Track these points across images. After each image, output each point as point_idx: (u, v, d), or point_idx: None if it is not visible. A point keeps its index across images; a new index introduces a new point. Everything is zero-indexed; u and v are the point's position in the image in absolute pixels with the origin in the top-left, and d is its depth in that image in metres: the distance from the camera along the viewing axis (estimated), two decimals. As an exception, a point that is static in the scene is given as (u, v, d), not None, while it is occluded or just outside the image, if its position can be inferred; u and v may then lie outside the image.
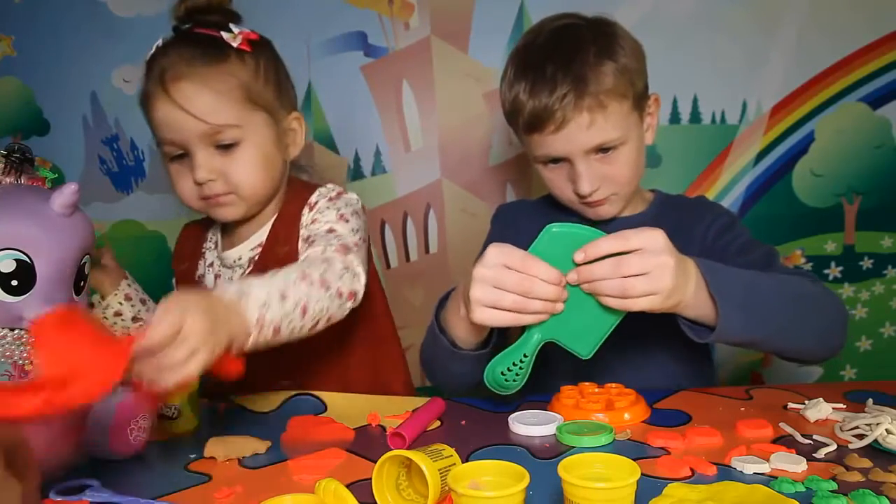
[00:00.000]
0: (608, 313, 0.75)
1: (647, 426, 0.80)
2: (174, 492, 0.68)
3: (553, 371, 1.01)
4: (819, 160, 1.47)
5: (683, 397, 0.90)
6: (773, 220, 1.48)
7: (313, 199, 0.96)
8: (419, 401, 0.91)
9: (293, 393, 0.94)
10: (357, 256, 0.87)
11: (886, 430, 0.70)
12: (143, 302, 1.06)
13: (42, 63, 1.50)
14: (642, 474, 0.53)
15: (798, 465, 0.66)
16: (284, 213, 0.98)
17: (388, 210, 1.51)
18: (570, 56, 0.92)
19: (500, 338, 0.87)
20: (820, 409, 0.80)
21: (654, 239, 0.72)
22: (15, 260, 0.68)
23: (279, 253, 0.95)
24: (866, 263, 1.49)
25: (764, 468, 0.66)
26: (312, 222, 0.94)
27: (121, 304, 1.02)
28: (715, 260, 0.81)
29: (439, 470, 0.59)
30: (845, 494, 0.59)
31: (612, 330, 0.77)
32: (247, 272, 0.99)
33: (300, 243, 0.94)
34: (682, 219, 1.01)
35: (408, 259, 1.53)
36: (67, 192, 0.70)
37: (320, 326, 0.82)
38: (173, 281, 1.14)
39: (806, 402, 0.83)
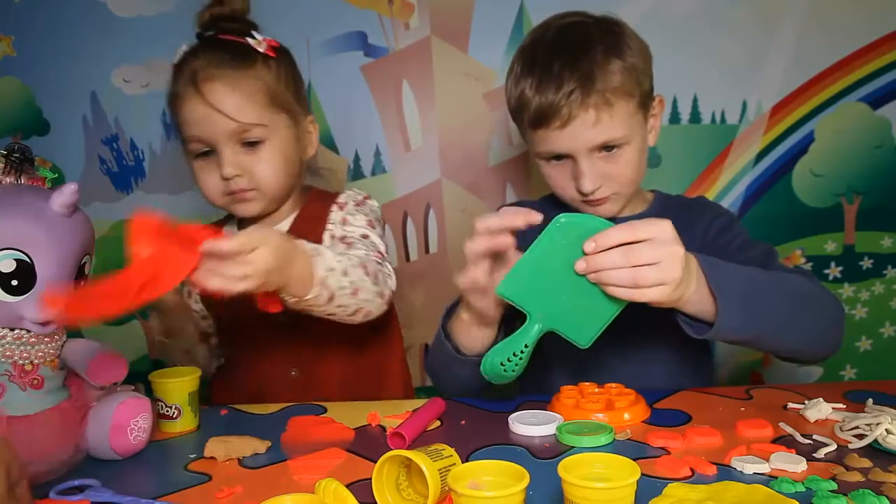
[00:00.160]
0: (609, 303, 0.75)
1: (647, 426, 0.80)
2: (174, 492, 0.68)
3: (552, 367, 1.01)
4: (819, 160, 1.47)
5: (683, 397, 0.90)
6: (773, 220, 1.48)
7: (342, 199, 1.03)
8: (419, 401, 0.91)
9: (292, 405, 0.95)
10: (389, 264, 0.95)
11: (886, 430, 0.70)
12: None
13: (42, 63, 1.50)
14: (642, 474, 0.53)
15: (798, 465, 0.66)
16: (306, 211, 1.03)
17: (388, 210, 1.51)
18: (578, 53, 0.92)
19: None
20: (820, 409, 0.80)
21: (663, 229, 0.73)
22: (15, 260, 0.68)
23: None
24: (866, 263, 1.49)
25: (764, 468, 0.66)
26: (343, 222, 1.00)
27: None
28: (715, 258, 0.81)
29: (439, 470, 0.59)
30: (845, 494, 0.59)
31: (611, 320, 0.77)
32: None
33: (329, 240, 0.98)
34: (682, 218, 1.01)
35: (408, 259, 1.53)
36: (67, 192, 0.70)
37: (359, 317, 0.89)
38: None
39: (806, 402, 0.83)
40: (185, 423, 0.86)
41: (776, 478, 0.64)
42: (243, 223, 1.04)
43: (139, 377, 0.91)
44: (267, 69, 0.96)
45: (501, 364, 0.79)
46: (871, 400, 0.83)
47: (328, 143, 1.49)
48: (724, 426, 0.76)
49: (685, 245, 0.74)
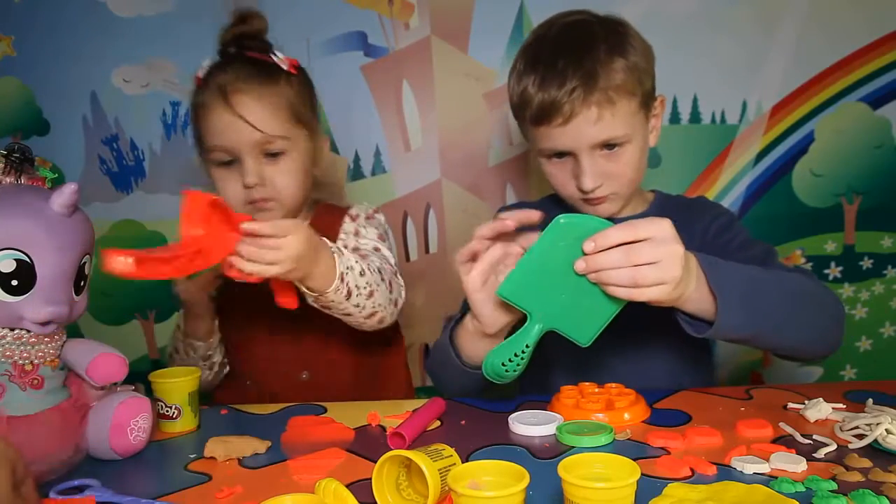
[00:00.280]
0: (609, 302, 0.75)
1: (647, 426, 0.80)
2: (174, 492, 0.68)
3: (552, 366, 1.01)
4: (819, 160, 1.47)
5: (683, 397, 0.90)
6: (773, 219, 1.48)
7: (354, 211, 1.09)
8: (419, 401, 0.91)
9: (292, 405, 0.95)
10: (400, 276, 1.01)
11: (886, 430, 0.70)
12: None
13: (42, 63, 1.50)
14: (642, 474, 0.53)
15: (798, 465, 0.66)
16: (318, 222, 1.07)
17: (388, 210, 1.51)
18: (581, 51, 0.92)
19: None
20: (820, 409, 0.80)
21: (662, 228, 0.73)
22: (15, 260, 0.68)
23: None
24: (866, 263, 1.49)
25: (764, 468, 0.66)
26: (356, 233, 1.05)
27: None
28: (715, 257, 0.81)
29: (439, 470, 0.59)
30: (845, 494, 0.59)
31: (611, 319, 0.77)
32: None
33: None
34: (682, 218, 1.01)
35: (408, 259, 1.53)
36: (67, 192, 0.70)
37: (373, 322, 0.94)
38: None
39: (806, 402, 0.83)
40: (185, 423, 0.86)
41: (776, 478, 0.64)
42: None
43: (139, 377, 0.91)
44: (289, 86, 1.01)
45: (503, 364, 0.79)
46: (871, 400, 0.83)
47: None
48: (724, 426, 0.77)
49: (685, 244, 0.75)
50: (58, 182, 0.75)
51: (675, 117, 1.45)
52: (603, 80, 0.90)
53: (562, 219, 0.74)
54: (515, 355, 0.78)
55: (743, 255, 0.94)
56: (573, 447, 0.74)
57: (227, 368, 1.13)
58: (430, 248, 1.53)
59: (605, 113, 0.91)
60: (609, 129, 0.92)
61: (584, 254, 0.73)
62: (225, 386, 1.13)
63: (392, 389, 1.14)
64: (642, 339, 0.99)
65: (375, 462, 0.61)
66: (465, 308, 0.90)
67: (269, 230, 0.75)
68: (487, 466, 0.56)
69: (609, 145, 0.94)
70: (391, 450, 0.62)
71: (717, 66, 1.44)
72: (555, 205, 1.09)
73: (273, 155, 0.99)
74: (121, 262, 0.72)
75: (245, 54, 1.01)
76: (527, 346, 0.78)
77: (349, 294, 0.88)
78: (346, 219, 1.08)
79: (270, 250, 0.76)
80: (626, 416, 0.81)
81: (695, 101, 1.45)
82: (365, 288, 0.90)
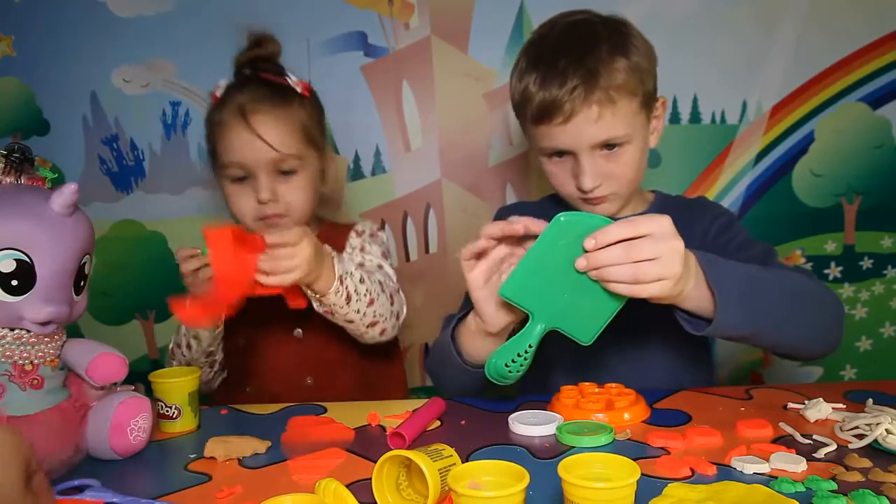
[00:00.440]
0: (610, 300, 0.75)
1: (647, 426, 0.80)
2: (174, 492, 0.68)
3: (552, 366, 1.01)
4: (819, 160, 1.47)
5: (683, 397, 0.90)
6: (773, 219, 1.48)
7: (359, 227, 1.14)
8: (419, 401, 0.91)
9: (292, 405, 0.95)
10: (402, 293, 1.06)
11: (886, 430, 0.70)
12: None
13: (42, 63, 1.50)
14: (642, 474, 0.53)
15: (798, 465, 0.66)
16: (325, 236, 1.10)
17: (388, 210, 1.51)
18: (583, 50, 0.92)
19: None
20: (820, 409, 0.80)
21: (662, 224, 0.73)
22: (15, 260, 0.68)
23: None
24: (866, 263, 1.49)
25: (764, 468, 0.66)
26: (361, 249, 1.10)
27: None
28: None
29: (439, 470, 0.59)
30: (845, 494, 0.59)
31: (612, 316, 0.77)
32: None
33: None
34: (682, 218, 1.01)
35: (408, 259, 1.53)
36: (67, 192, 0.70)
37: (375, 332, 0.99)
38: None
39: (806, 402, 0.83)
40: (185, 423, 0.86)
41: (776, 478, 0.64)
42: None
43: (139, 377, 0.91)
44: (302, 107, 1.06)
45: (506, 365, 0.79)
46: (871, 400, 0.83)
47: (328, 143, 1.49)
48: (724, 426, 0.77)
49: (685, 244, 0.75)
50: (58, 182, 0.75)
51: (675, 117, 1.45)
52: (604, 80, 0.90)
53: (562, 216, 0.74)
54: (518, 356, 0.78)
55: (742, 255, 0.94)
56: (573, 447, 0.74)
57: (225, 373, 1.13)
58: (430, 248, 1.53)
59: (606, 112, 0.91)
60: (609, 129, 0.92)
61: (585, 251, 0.73)
62: (223, 393, 1.13)
63: (392, 392, 1.17)
64: (642, 339, 0.99)
65: (375, 462, 0.61)
66: (466, 306, 0.90)
67: (287, 238, 0.83)
68: (487, 466, 0.56)
69: (609, 145, 0.94)
70: (391, 450, 0.62)
71: (717, 66, 1.44)
72: (555, 205, 1.09)
73: (286, 173, 1.03)
74: (183, 316, 0.81)
75: (260, 76, 1.06)
76: (529, 347, 0.78)
77: (349, 298, 0.93)
78: (352, 234, 1.13)
79: (287, 259, 0.83)
80: (626, 416, 0.81)
81: (695, 101, 1.45)
82: (365, 295, 0.95)
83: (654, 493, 0.59)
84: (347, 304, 0.94)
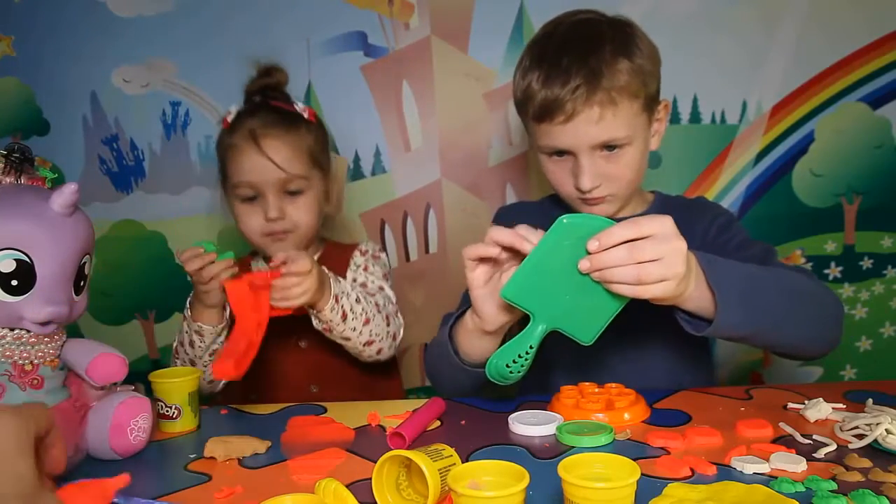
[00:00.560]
0: (611, 300, 0.75)
1: (647, 426, 0.80)
2: (174, 492, 0.68)
3: (552, 366, 1.01)
4: (819, 160, 1.47)
5: (683, 397, 0.90)
6: (773, 220, 1.48)
7: (363, 247, 1.21)
8: (419, 401, 0.91)
9: (292, 405, 0.96)
10: (400, 315, 1.13)
11: (886, 430, 0.70)
12: None
13: (42, 63, 1.50)
14: (642, 474, 0.53)
15: (798, 465, 0.66)
16: (329, 252, 1.21)
17: (388, 210, 1.51)
18: (587, 50, 0.92)
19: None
20: (820, 409, 0.80)
21: (664, 225, 0.73)
22: (15, 260, 0.68)
23: None
24: (866, 263, 1.49)
25: (764, 468, 0.66)
26: (364, 268, 1.17)
27: None
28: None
29: (439, 470, 0.59)
30: (845, 494, 0.59)
31: (613, 316, 0.77)
32: None
33: (350, 282, 1.13)
34: (682, 219, 1.01)
35: (408, 259, 1.53)
36: (67, 192, 0.70)
37: (371, 351, 1.06)
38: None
39: (806, 402, 0.83)
40: (185, 423, 0.86)
41: (776, 478, 0.64)
42: (269, 260, 1.13)
43: (139, 377, 0.91)
44: (309, 132, 1.13)
45: (507, 366, 0.79)
46: (871, 400, 0.83)
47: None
48: (724, 426, 0.77)
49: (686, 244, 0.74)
50: (58, 182, 0.75)
51: (675, 117, 1.45)
52: (606, 81, 0.90)
53: (565, 219, 0.74)
54: (519, 356, 0.78)
55: (742, 255, 0.94)
56: (573, 447, 0.74)
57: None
58: (430, 248, 1.53)
59: (607, 113, 0.91)
60: (610, 130, 0.92)
61: (588, 253, 0.73)
62: (227, 399, 1.13)
63: (391, 395, 1.21)
64: (642, 339, 0.99)
65: (375, 462, 0.61)
66: (464, 303, 0.90)
67: (298, 268, 0.92)
68: (487, 466, 0.56)
69: (609, 146, 0.94)
70: (391, 450, 0.62)
71: (717, 66, 1.44)
72: (555, 205, 1.09)
73: (292, 192, 1.10)
74: (226, 373, 0.85)
75: (269, 103, 1.13)
76: (531, 348, 0.78)
77: (345, 316, 1.00)
78: (357, 253, 1.19)
79: (297, 286, 0.92)
80: (626, 416, 0.81)
81: (695, 101, 1.45)
82: (361, 314, 1.02)
83: (654, 493, 0.59)
84: (343, 321, 1.00)
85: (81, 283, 0.75)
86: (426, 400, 0.90)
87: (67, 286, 0.73)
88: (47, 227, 0.70)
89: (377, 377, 1.19)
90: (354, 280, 1.16)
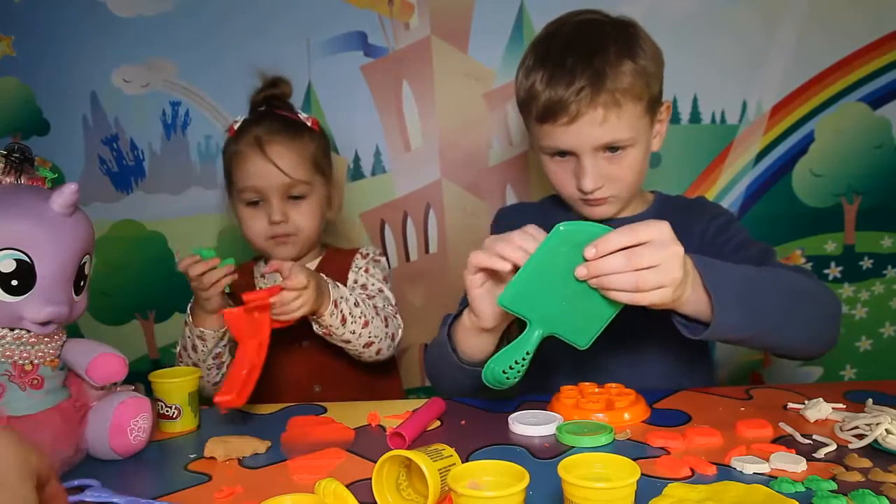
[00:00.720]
0: (607, 305, 0.75)
1: (647, 426, 0.80)
2: (174, 492, 0.68)
3: (551, 368, 1.01)
4: (819, 160, 1.47)
5: (683, 397, 0.90)
6: (773, 220, 1.48)
7: (364, 250, 1.23)
8: (419, 401, 0.91)
9: (292, 405, 0.97)
10: (399, 316, 1.15)
11: (886, 430, 0.70)
12: None
13: (42, 63, 1.50)
14: (642, 474, 0.53)
15: (798, 465, 0.66)
16: (329, 260, 1.22)
17: (388, 210, 1.51)
18: (591, 51, 0.92)
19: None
20: (820, 409, 0.80)
21: (661, 231, 0.72)
22: (15, 260, 0.68)
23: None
24: (866, 263, 1.49)
25: (764, 468, 0.66)
26: (365, 270, 1.19)
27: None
28: (712, 257, 0.81)
29: (439, 470, 0.59)
30: (845, 494, 0.59)
31: (609, 321, 0.77)
32: None
33: (352, 284, 1.18)
34: (681, 219, 1.01)
35: (408, 259, 1.53)
36: (67, 192, 0.70)
37: (371, 352, 1.08)
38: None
39: (806, 402, 0.83)
40: (185, 423, 0.86)
41: (776, 478, 0.64)
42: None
43: (139, 377, 0.92)
44: (312, 140, 1.16)
45: (504, 372, 0.78)
46: (871, 400, 0.83)
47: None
48: (724, 426, 0.77)
49: (684, 245, 0.74)
50: (58, 182, 0.75)
51: (675, 117, 1.45)
52: (611, 82, 0.90)
53: (562, 226, 0.74)
54: (516, 362, 0.78)
55: (740, 255, 0.94)
56: (573, 447, 0.74)
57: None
58: (430, 248, 1.53)
59: (611, 115, 0.91)
60: (614, 132, 0.92)
61: (585, 260, 0.73)
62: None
63: (391, 394, 1.22)
64: (640, 343, 0.99)
65: (375, 462, 0.61)
66: (464, 303, 0.90)
67: (295, 284, 0.93)
68: (487, 466, 0.56)
69: (612, 147, 0.94)
70: (391, 450, 0.62)
71: (717, 66, 1.44)
72: (555, 205, 1.09)
73: (296, 197, 1.14)
74: (228, 404, 0.84)
75: (274, 112, 1.17)
76: (527, 353, 0.78)
77: (344, 320, 1.02)
78: (358, 256, 1.22)
79: (296, 301, 0.94)
80: (626, 416, 0.81)
81: (695, 101, 1.45)
82: (360, 317, 1.04)
83: (654, 493, 0.59)
84: (343, 325, 1.02)
85: (81, 283, 0.75)
86: (426, 400, 0.90)
87: (67, 286, 0.73)
88: (47, 227, 0.70)
89: (377, 377, 1.20)
90: (355, 281, 1.18)
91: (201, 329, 1.08)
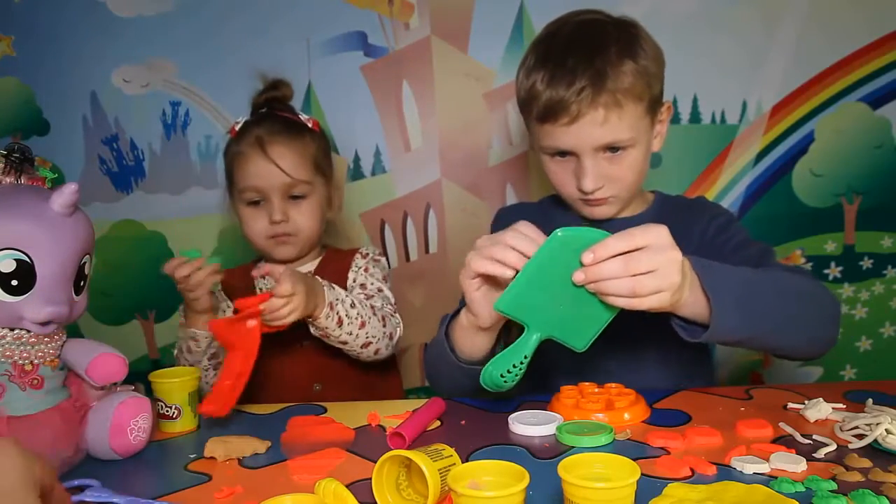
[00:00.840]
0: (605, 309, 0.75)
1: (647, 426, 0.80)
2: (174, 492, 0.68)
3: (551, 369, 1.01)
4: (819, 160, 1.47)
5: (683, 397, 0.90)
6: (773, 220, 1.48)
7: (364, 250, 1.23)
8: (419, 401, 0.91)
9: (292, 405, 0.97)
10: (398, 315, 1.16)
11: (886, 430, 0.70)
12: None
13: (42, 63, 1.50)
14: (642, 474, 0.53)
15: (798, 465, 0.66)
16: (329, 260, 1.22)
17: (388, 210, 1.51)
18: (593, 51, 0.92)
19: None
20: (820, 409, 0.80)
21: (659, 235, 0.72)
22: (15, 260, 0.68)
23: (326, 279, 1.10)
24: (866, 263, 1.49)
25: (764, 468, 0.66)
26: (365, 270, 1.19)
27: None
28: (711, 257, 0.80)
29: (439, 470, 0.59)
30: (845, 494, 0.59)
31: (607, 324, 0.77)
32: None
33: (351, 283, 1.18)
34: (681, 219, 1.01)
35: (408, 259, 1.53)
36: (67, 192, 0.70)
37: (369, 352, 1.08)
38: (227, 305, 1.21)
39: (806, 402, 0.83)
40: (185, 423, 0.86)
41: (776, 478, 0.64)
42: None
43: (139, 377, 0.92)
44: (312, 140, 1.17)
45: (501, 376, 0.78)
46: (870, 400, 0.83)
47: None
48: (724, 426, 0.77)
49: (683, 246, 0.74)
50: (58, 182, 0.75)
51: (675, 117, 1.45)
52: (611, 82, 0.90)
53: (559, 232, 0.74)
54: (514, 366, 0.78)
55: (740, 255, 0.94)
56: (573, 447, 0.74)
57: None
58: (430, 248, 1.53)
59: (612, 115, 0.91)
60: (614, 132, 0.92)
61: (583, 265, 0.73)
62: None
63: (391, 394, 1.22)
64: (639, 345, 0.99)
65: (375, 462, 0.61)
66: (463, 303, 0.90)
67: (282, 292, 0.92)
68: (487, 466, 0.56)
69: (613, 148, 0.94)
70: (391, 450, 0.62)
71: (717, 66, 1.44)
72: (555, 205, 1.09)
73: (296, 197, 1.14)
74: (212, 414, 0.85)
75: (275, 113, 1.18)
76: (525, 357, 0.78)
77: (340, 322, 1.02)
78: (358, 255, 1.22)
79: (285, 307, 0.93)
80: (626, 416, 0.81)
81: (695, 101, 1.45)
82: (357, 318, 1.04)
83: (654, 493, 0.59)
84: (339, 326, 1.02)
85: (81, 283, 0.75)
86: (426, 400, 0.90)
87: (67, 286, 0.73)
88: (47, 227, 0.70)
89: (377, 377, 1.20)
90: (354, 281, 1.18)
91: (193, 330, 1.08)
